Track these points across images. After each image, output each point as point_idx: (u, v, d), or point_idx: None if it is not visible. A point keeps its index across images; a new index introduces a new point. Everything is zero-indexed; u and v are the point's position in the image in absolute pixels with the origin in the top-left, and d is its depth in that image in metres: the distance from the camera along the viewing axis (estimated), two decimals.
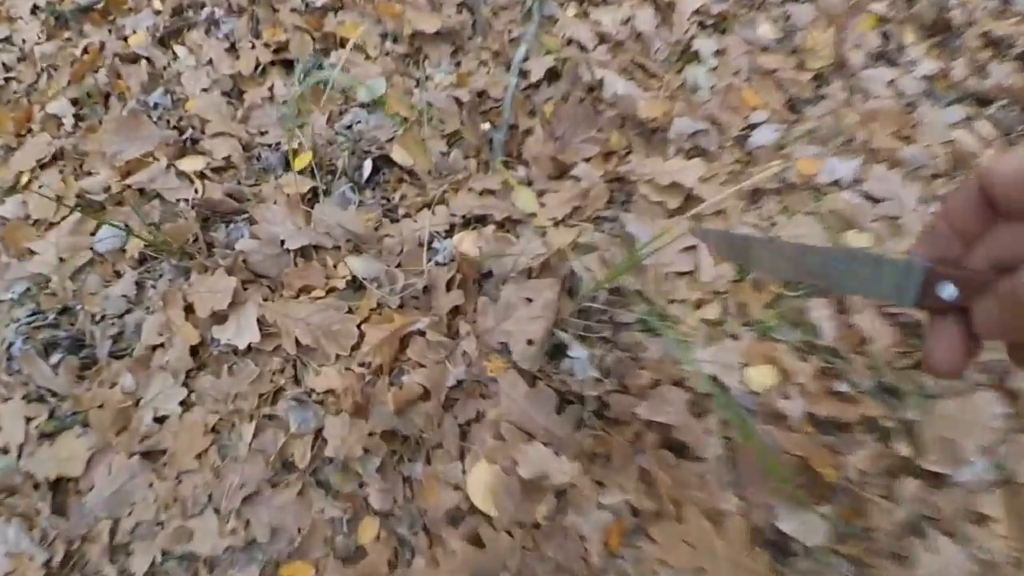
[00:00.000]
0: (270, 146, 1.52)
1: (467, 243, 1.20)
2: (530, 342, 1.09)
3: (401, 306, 1.21)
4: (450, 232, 1.28)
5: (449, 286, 1.19)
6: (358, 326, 1.17)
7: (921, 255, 0.36)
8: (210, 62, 1.68)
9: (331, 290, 1.23)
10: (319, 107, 1.60)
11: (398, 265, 1.25)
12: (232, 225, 1.34)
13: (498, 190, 1.32)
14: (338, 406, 1.13)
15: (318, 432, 1.13)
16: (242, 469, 1.12)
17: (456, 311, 1.19)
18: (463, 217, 1.29)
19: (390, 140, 1.48)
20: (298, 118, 1.58)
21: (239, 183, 1.45)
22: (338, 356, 1.17)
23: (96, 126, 1.66)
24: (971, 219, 0.34)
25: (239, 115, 1.60)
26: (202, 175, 1.49)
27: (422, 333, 1.16)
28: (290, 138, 1.46)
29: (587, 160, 1.43)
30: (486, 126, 1.50)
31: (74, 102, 1.74)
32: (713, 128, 1.53)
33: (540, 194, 1.37)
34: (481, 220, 1.29)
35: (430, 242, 1.26)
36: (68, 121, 1.72)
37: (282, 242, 1.27)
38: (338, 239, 1.28)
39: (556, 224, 1.30)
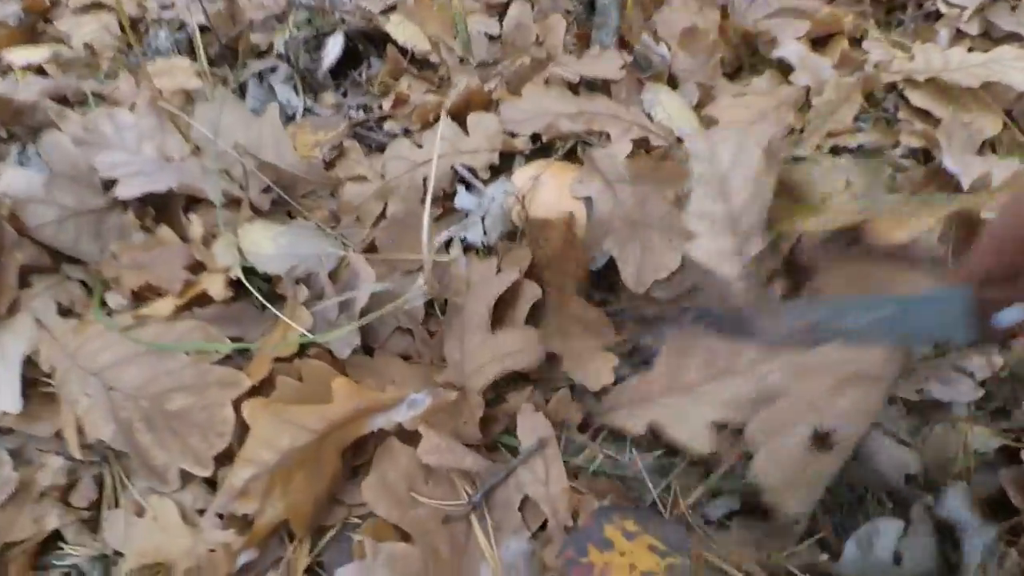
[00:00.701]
0: (170, 23, 0.82)
1: (553, 187, 0.46)
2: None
3: (368, 351, 0.47)
4: (501, 169, 0.53)
5: (506, 306, 0.44)
6: (236, 402, 0.43)
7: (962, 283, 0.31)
8: None
9: (195, 300, 0.49)
10: None
11: (369, 248, 0.52)
12: (28, 150, 0.63)
13: (618, 83, 0.57)
14: None
15: None
16: None
17: (519, 380, 0.44)
18: (535, 139, 0.55)
19: (388, 11, 0.75)
20: None
21: (96, 80, 0.75)
22: (186, 476, 0.44)
23: None
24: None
25: None
26: (40, 70, 0.80)
27: (408, 435, 0.41)
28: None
29: (798, 40, 0.67)
30: None
31: None
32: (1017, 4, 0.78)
33: (700, 104, 0.61)
34: (583, 141, 0.54)
35: (447, 194, 0.52)
36: None
37: (107, 185, 0.55)
38: (241, 183, 0.56)
39: None
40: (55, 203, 0.53)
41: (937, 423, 0.45)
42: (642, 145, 0.52)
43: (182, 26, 0.81)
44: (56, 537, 0.48)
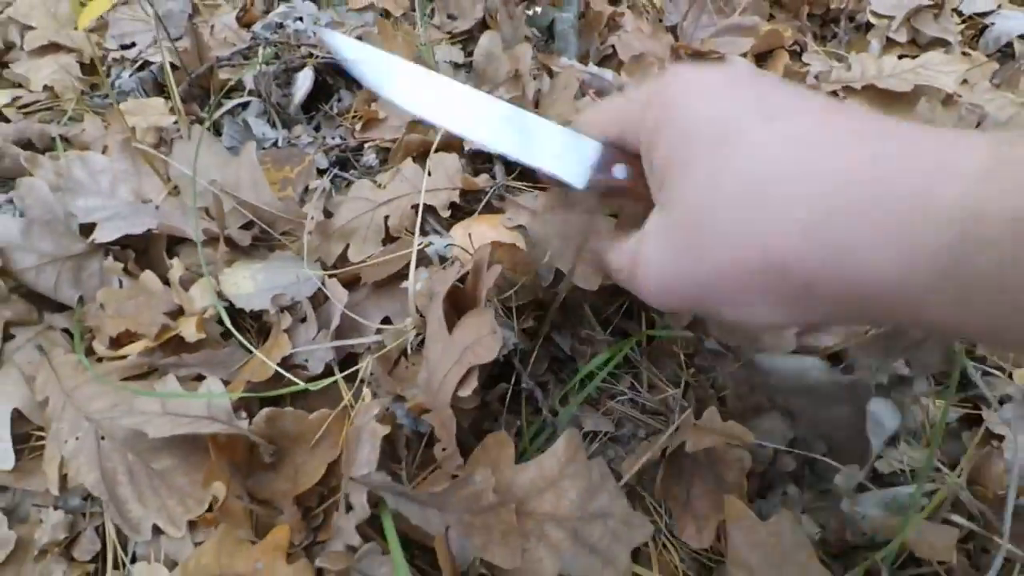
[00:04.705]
0: (133, 62, 0.82)
1: (487, 228, 0.48)
2: None
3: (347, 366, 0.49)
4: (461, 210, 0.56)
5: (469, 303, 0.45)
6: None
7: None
8: None
9: (169, 343, 0.50)
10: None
11: (351, 278, 0.53)
12: None
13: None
14: None
15: None
16: None
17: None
18: (497, 164, 0.58)
19: None
20: (196, 18, 0.88)
21: (59, 123, 0.75)
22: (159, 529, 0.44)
23: None
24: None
25: (92, 20, 0.90)
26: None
27: None
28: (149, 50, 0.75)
29: (743, 56, 0.72)
30: (536, 11, 0.79)
31: None
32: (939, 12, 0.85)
33: None
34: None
35: (408, 231, 0.54)
36: None
37: (86, 230, 0.55)
38: (222, 221, 0.57)
39: None
40: (36, 250, 0.54)
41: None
42: None
43: (144, 65, 0.81)
44: None
